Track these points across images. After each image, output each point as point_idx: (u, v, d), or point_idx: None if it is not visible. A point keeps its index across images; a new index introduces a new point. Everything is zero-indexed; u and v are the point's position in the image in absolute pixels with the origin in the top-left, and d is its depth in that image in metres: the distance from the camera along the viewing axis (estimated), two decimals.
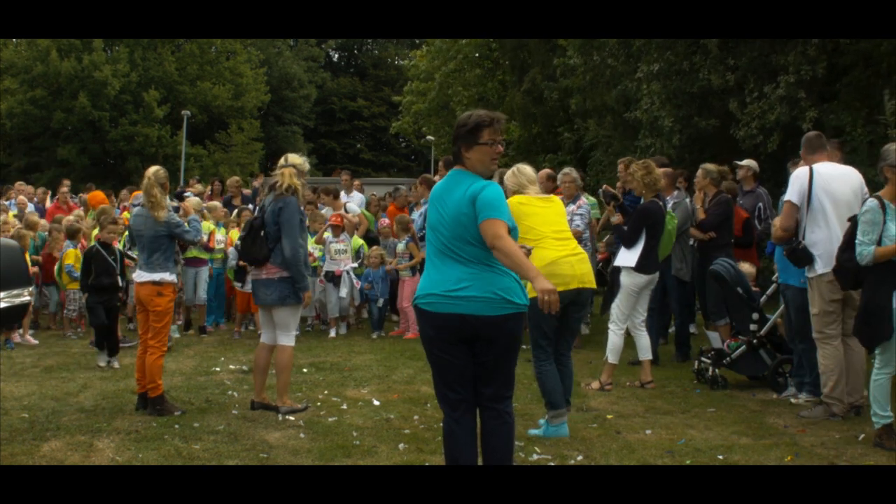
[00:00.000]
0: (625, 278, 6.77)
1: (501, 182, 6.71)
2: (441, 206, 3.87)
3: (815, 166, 5.80)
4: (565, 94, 17.87)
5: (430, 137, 28.86)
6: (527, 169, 5.76)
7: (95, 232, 9.94)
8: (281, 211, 5.94)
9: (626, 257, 6.79)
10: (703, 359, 6.97)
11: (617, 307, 6.84)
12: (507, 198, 5.63)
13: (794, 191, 5.76)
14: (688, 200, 7.87)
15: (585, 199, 8.82)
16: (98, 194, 13.19)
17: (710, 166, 8.01)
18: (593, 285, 5.56)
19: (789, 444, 5.16)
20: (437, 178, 9.85)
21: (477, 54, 22.86)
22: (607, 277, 8.85)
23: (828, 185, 5.72)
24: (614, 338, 6.77)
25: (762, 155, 10.33)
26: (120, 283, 8.00)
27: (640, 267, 6.71)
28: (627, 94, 14.40)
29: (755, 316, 6.79)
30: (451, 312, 3.71)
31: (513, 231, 3.80)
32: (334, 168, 33.52)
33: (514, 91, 20.16)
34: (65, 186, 13.29)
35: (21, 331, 9.16)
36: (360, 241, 10.25)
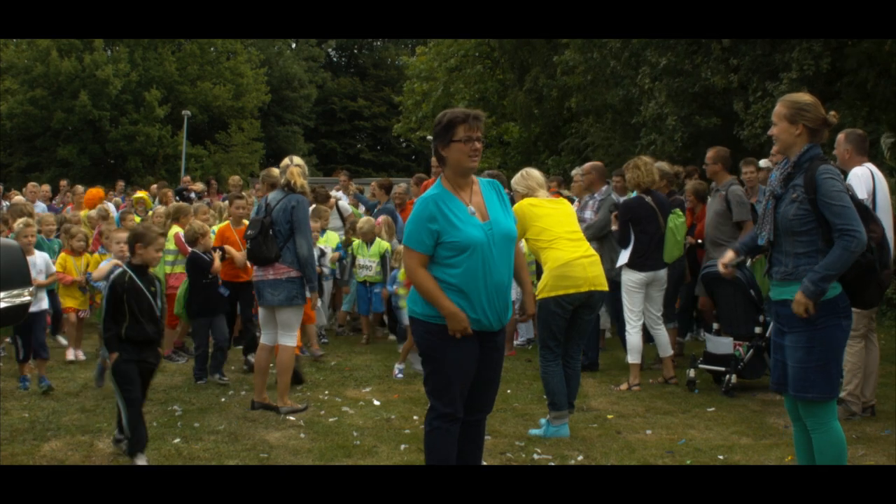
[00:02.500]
0: (623, 276, 6.86)
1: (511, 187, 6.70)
2: None
3: (870, 167, 5.74)
4: (565, 93, 17.87)
5: (429, 137, 28.85)
6: (535, 173, 5.83)
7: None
8: (294, 210, 5.94)
9: (622, 256, 6.89)
10: (702, 366, 6.88)
11: (625, 307, 6.88)
12: (516, 201, 5.67)
13: (862, 192, 5.47)
14: (614, 197, 7.65)
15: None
16: (96, 192, 12.35)
17: (665, 166, 7.91)
18: (605, 288, 5.58)
19: (789, 444, 5.14)
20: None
21: (477, 53, 22.84)
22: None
23: (883, 187, 5.68)
24: (630, 338, 6.82)
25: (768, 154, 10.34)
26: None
27: (633, 263, 6.77)
28: (629, 97, 14.40)
29: (760, 318, 6.74)
30: None
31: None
32: (334, 168, 33.51)
33: (514, 90, 20.14)
34: (79, 187, 13.24)
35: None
36: (386, 245, 9.02)
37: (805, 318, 3.69)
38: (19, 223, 7.32)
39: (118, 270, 5.03)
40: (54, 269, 7.56)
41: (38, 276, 7.05)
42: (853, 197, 3.80)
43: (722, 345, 6.78)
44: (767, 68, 11.30)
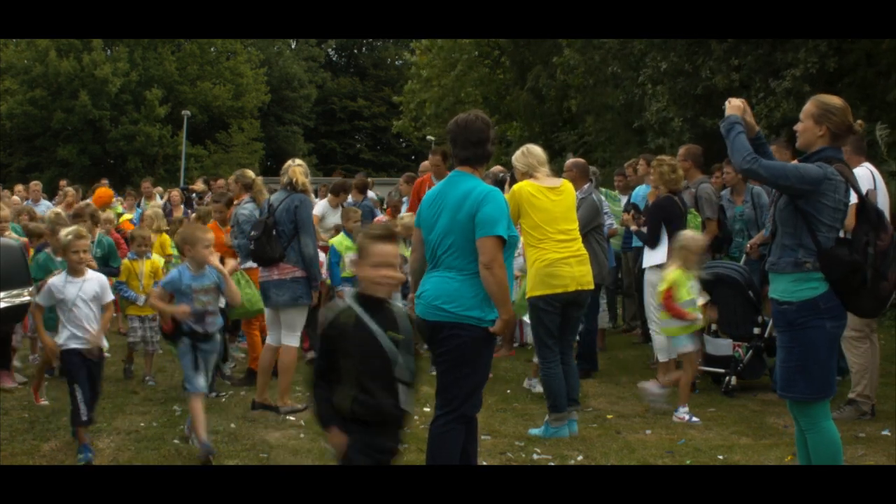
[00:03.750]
0: (652, 276, 6.66)
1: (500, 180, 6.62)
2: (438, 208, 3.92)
3: (869, 167, 5.71)
4: (564, 93, 17.88)
5: (430, 137, 28.80)
6: (536, 150, 5.64)
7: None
8: (297, 209, 5.95)
9: (653, 256, 6.71)
10: (702, 367, 6.83)
11: (651, 306, 6.77)
12: (517, 180, 5.59)
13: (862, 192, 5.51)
14: (594, 196, 7.50)
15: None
16: (105, 192, 11.90)
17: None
18: (591, 286, 5.57)
19: (789, 444, 5.15)
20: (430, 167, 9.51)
21: (477, 53, 22.82)
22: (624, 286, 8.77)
23: (883, 188, 5.67)
24: (657, 337, 6.70)
25: None
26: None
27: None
28: (630, 98, 14.38)
29: (758, 319, 6.72)
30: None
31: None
32: (334, 168, 33.51)
33: (516, 90, 20.15)
34: (70, 190, 13.08)
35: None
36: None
37: (787, 318, 3.70)
38: (66, 235, 5.23)
39: (342, 305, 3.18)
40: (111, 295, 5.37)
41: (92, 305, 5.10)
42: (869, 203, 3.81)
43: (721, 346, 6.76)
44: (770, 68, 11.30)
